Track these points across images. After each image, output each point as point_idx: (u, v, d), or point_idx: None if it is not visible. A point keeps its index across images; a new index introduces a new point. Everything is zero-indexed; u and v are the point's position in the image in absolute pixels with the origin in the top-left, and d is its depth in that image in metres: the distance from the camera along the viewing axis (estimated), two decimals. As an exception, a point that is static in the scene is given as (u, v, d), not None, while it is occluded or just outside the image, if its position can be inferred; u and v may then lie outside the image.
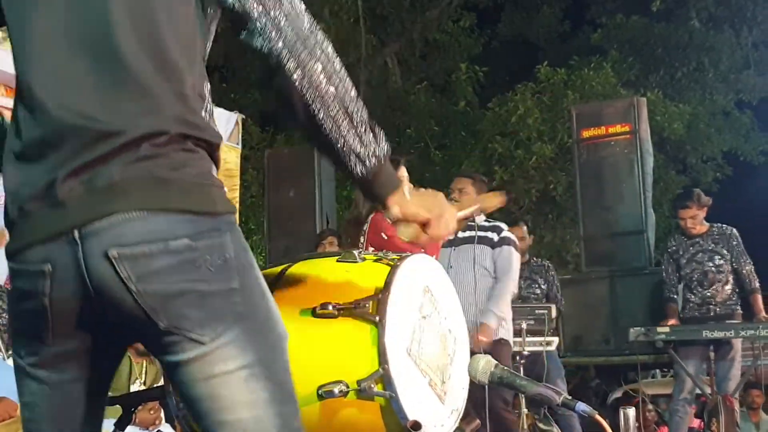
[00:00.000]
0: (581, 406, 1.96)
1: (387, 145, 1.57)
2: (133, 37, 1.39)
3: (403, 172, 4.22)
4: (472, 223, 5.52)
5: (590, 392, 8.01)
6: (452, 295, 2.29)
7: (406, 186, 1.67)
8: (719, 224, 6.45)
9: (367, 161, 1.53)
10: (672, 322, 6.31)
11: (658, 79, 15.32)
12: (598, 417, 1.95)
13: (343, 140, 1.51)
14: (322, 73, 1.49)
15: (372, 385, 1.94)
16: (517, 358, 5.83)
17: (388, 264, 2.06)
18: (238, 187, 8.40)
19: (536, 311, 6.25)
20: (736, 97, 15.80)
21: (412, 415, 1.99)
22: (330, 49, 1.52)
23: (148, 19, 1.41)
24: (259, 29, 1.49)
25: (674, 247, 6.54)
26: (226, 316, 1.38)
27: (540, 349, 6.15)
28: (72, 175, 1.35)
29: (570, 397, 1.98)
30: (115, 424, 2.32)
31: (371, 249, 3.86)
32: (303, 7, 1.54)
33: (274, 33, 1.48)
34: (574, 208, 8.19)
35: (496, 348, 5.21)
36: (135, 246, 1.33)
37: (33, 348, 1.46)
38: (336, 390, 1.95)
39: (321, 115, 1.49)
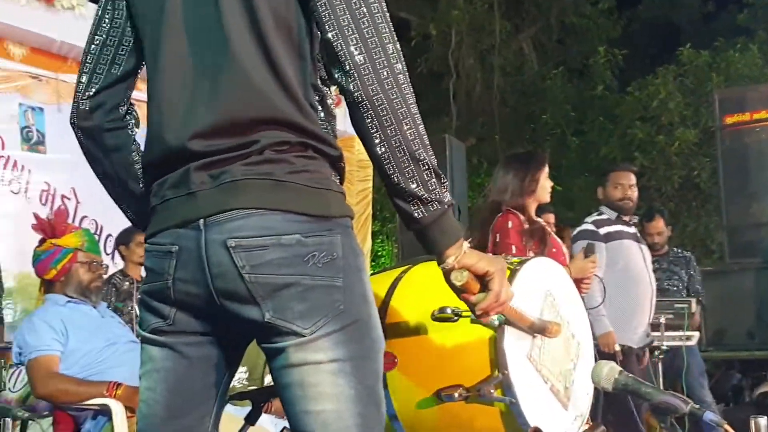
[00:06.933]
0: (709, 416, 1.89)
1: (450, 198, 1.50)
2: (255, 61, 1.47)
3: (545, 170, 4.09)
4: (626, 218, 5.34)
5: (733, 388, 7.71)
6: (576, 300, 2.25)
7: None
8: None
9: (430, 205, 1.46)
10: None
11: (811, 59, 14.49)
12: (727, 427, 1.88)
13: (405, 182, 1.45)
14: (393, 116, 1.43)
15: (491, 390, 1.94)
16: (656, 352, 5.68)
17: (508, 268, 2.04)
18: (371, 177, 8.50)
19: (675, 305, 6.04)
20: None
21: (533, 421, 1.97)
22: (403, 78, 1.44)
23: (265, 47, 1.48)
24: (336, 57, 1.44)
25: None
26: (326, 310, 1.45)
27: (679, 344, 5.95)
28: (203, 168, 1.47)
29: (698, 407, 1.91)
30: (245, 419, 2.40)
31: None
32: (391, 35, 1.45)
33: (349, 68, 1.42)
34: (718, 197, 7.84)
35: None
36: (251, 238, 1.44)
37: (156, 320, 1.56)
38: (455, 394, 1.95)
39: (385, 156, 1.45)
